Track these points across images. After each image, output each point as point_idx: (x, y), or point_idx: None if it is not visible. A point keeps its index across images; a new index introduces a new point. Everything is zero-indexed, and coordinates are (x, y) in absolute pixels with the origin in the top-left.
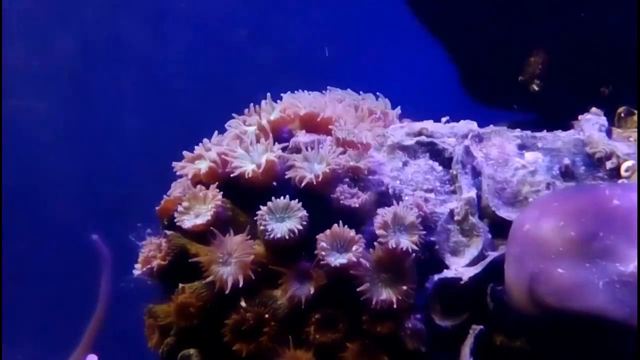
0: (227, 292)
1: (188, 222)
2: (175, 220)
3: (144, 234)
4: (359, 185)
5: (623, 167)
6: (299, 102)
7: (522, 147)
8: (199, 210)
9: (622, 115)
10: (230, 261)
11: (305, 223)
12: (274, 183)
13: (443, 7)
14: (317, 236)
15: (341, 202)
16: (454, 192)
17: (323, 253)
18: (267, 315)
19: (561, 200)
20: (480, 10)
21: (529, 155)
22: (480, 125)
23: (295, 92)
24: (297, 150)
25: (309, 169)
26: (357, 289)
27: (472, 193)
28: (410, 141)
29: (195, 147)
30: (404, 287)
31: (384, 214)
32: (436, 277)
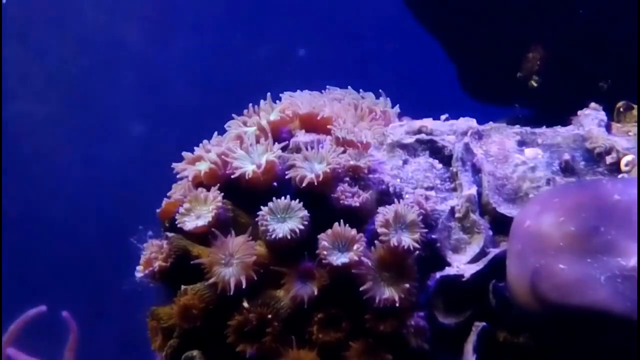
0: (229, 293)
1: (189, 223)
2: (176, 222)
3: (145, 236)
4: (359, 184)
5: (623, 161)
6: (298, 102)
7: (522, 144)
8: (200, 211)
9: (621, 109)
10: (232, 262)
11: (306, 223)
12: (275, 183)
13: (440, 4)
14: (319, 236)
15: (342, 201)
16: (454, 189)
17: (325, 252)
18: (270, 316)
19: (561, 195)
20: (477, 6)
21: (529, 152)
22: (480, 122)
23: (295, 92)
24: (297, 150)
25: (310, 169)
26: (360, 288)
27: (473, 190)
28: (410, 139)
29: (195, 148)
30: (406, 285)
31: (385, 213)
32: (438, 274)
